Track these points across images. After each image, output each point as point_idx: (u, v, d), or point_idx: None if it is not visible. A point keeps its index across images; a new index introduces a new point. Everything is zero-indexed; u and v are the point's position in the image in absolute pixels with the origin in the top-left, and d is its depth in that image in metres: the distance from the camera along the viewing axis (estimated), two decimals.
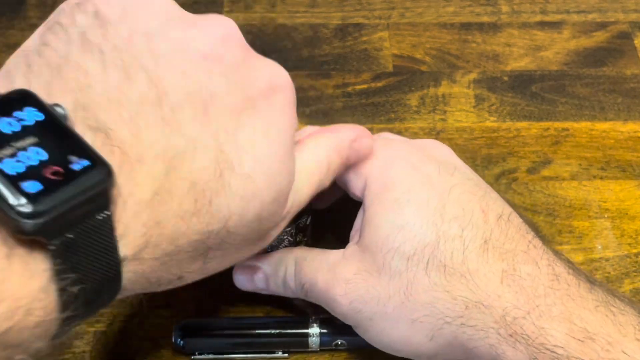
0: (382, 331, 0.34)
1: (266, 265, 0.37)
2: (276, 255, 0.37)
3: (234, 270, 0.38)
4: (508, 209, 0.35)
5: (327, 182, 0.34)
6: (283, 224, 0.32)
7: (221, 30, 0.28)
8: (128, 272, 0.24)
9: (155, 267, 0.25)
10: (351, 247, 0.35)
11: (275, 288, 0.37)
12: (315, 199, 0.40)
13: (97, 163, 0.22)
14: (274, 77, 0.29)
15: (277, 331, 0.38)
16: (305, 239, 0.39)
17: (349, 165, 0.35)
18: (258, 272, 0.37)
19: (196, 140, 0.25)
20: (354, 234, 0.36)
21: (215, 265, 0.29)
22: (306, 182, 0.32)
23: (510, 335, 0.31)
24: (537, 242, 0.34)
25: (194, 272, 0.28)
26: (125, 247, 0.24)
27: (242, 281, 0.38)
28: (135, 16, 0.27)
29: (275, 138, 0.28)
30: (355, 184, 0.36)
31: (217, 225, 0.26)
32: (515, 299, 0.31)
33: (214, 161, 0.26)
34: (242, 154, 0.27)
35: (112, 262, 0.23)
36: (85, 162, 0.22)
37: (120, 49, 0.25)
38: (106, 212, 0.23)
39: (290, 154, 0.30)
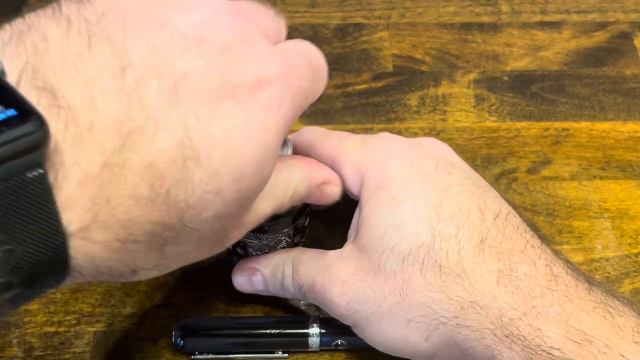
0: (378, 331, 0.34)
1: (264, 268, 0.37)
2: (274, 257, 0.37)
3: (232, 272, 0.38)
4: (506, 208, 0.35)
5: (284, 209, 0.32)
6: (242, 232, 0.30)
7: (208, 12, 0.26)
8: (76, 253, 0.23)
9: (106, 254, 0.24)
10: (348, 246, 0.35)
11: (274, 290, 0.37)
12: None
13: (28, 115, 0.20)
14: (264, 68, 0.26)
15: (277, 331, 0.38)
16: (304, 240, 0.39)
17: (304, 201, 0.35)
18: (256, 274, 0.37)
19: (159, 119, 0.23)
20: (351, 233, 0.36)
21: (172, 263, 0.27)
22: (270, 200, 0.30)
23: (506, 337, 0.31)
24: (536, 242, 0.33)
25: (150, 267, 0.26)
26: (69, 220, 0.22)
27: (241, 283, 0.38)
28: None
29: (255, 137, 0.26)
30: (353, 182, 0.36)
31: (174, 217, 0.24)
32: (512, 300, 0.31)
33: (177, 146, 0.23)
34: (212, 146, 0.24)
35: (53, 231, 0.22)
36: (12, 112, 0.20)
37: (91, 21, 0.24)
38: (38, 170, 0.21)
39: (270, 158, 0.27)
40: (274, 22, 0.30)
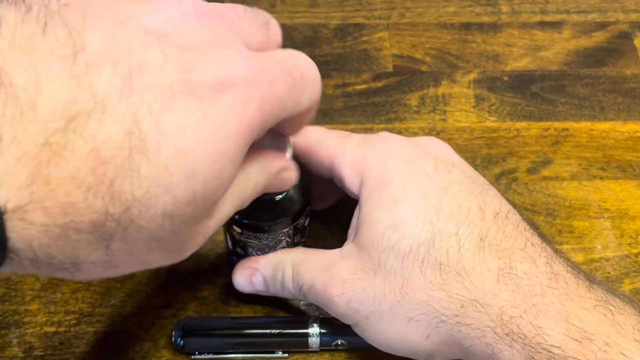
0: (378, 330, 0.34)
1: (264, 268, 0.37)
2: (274, 258, 0.37)
3: (233, 273, 0.38)
4: (506, 206, 0.35)
5: (245, 205, 0.31)
6: (204, 238, 0.28)
7: (176, 11, 0.26)
8: (13, 232, 0.22)
9: (45, 239, 0.23)
10: (347, 245, 0.35)
11: (274, 290, 0.37)
12: (315, 200, 0.40)
13: None
14: (229, 71, 0.26)
15: (277, 331, 0.38)
16: (304, 240, 0.39)
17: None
18: (256, 274, 0.37)
19: (108, 106, 0.23)
20: (351, 232, 0.36)
21: (120, 262, 0.26)
22: (230, 200, 0.29)
23: (507, 335, 0.31)
24: (536, 240, 0.33)
25: (94, 262, 0.25)
26: (5, 197, 0.21)
27: (241, 284, 0.38)
28: None
29: (211, 137, 0.25)
30: (352, 180, 0.36)
31: (119, 208, 0.23)
32: (512, 298, 0.31)
33: (123, 134, 0.23)
34: (162, 140, 0.23)
35: None
36: None
37: (51, 9, 0.23)
38: None
39: (229, 161, 0.26)
40: (260, 30, 0.29)
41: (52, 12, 0.23)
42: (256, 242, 0.37)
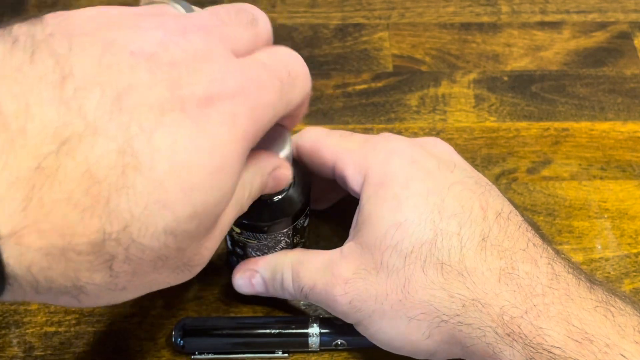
0: (380, 329, 0.34)
1: (263, 270, 0.37)
2: (272, 259, 0.37)
3: (232, 274, 0.38)
4: (508, 207, 0.35)
5: (245, 209, 0.31)
6: (208, 255, 0.28)
7: (160, 32, 0.26)
8: (10, 258, 0.22)
9: (45, 262, 0.23)
10: (348, 244, 0.35)
11: (274, 291, 0.37)
12: (316, 201, 0.40)
13: None
14: (217, 84, 0.26)
15: (277, 331, 0.38)
16: (303, 241, 0.39)
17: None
18: (256, 276, 0.37)
19: (99, 127, 0.23)
20: (352, 231, 0.36)
21: (127, 284, 0.26)
22: (230, 208, 0.28)
23: (508, 335, 0.31)
24: (537, 241, 0.34)
25: (99, 285, 0.25)
26: (0, 222, 0.21)
27: (241, 286, 0.38)
28: (71, 19, 0.25)
29: (206, 150, 0.25)
30: (355, 179, 0.36)
31: (117, 227, 0.23)
32: (513, 298, 0.31)
33: (116, 152, 0.23)
34: (155, 156, 0.24)
35: None
36: None
37: (37, 40, 0.24)
38: None
39: (227, 172, 0.26)
40: (248, 30, 0.29)
41: (39, 41, 0.24)
42: (255, 242, 0.37)
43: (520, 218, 0.35)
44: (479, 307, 0.32)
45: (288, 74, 0.29)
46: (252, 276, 0.37)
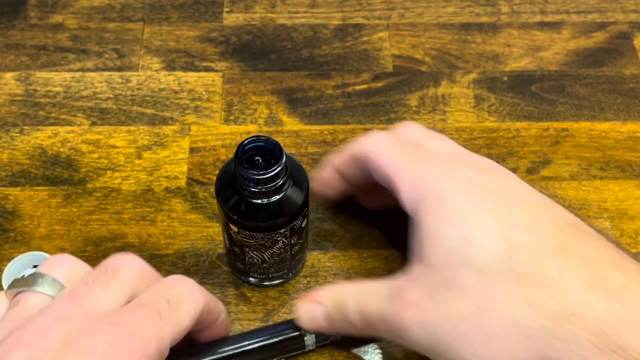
0: (458, 354, 0.31)
1: (326, 300, 0.36)
2: (333, 292, 0.36)
3: (296, 309, 0.37)
4: (578, 219, 0.33)
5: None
6: None
7: (25, 352, 0.28)
8: None
9: None
10: (414, 267, 0.33)
11: (338, 325, 0.36)
12: (366, 200, 0.40)
13: None
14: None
15: (272, 340, 0.37)
16: (301, 241, 0.39)
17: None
18: (318, 307, 0.36)
19: None
20: (413, 253, 0.34)
21: None
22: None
23: (608, 347, 0.28)
24: (616, 248, 0.32)
25: None
26: None
27: (304, 319, 0.37)
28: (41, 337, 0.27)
29: None
30: (408, 196, 0.35)
31: None
32: (609, 307, 0.29)
33: None
34: None
35: None
36: None
37: None
38: None
39: None
40: (108, 286, 0.30)
41: None
42: (252, 241, 0.37)
43: (592, 228, 0.33)
44: (570, 318, 0.29)
45: (167, 303, 0.30)
46: (313, 308, 0.36)
